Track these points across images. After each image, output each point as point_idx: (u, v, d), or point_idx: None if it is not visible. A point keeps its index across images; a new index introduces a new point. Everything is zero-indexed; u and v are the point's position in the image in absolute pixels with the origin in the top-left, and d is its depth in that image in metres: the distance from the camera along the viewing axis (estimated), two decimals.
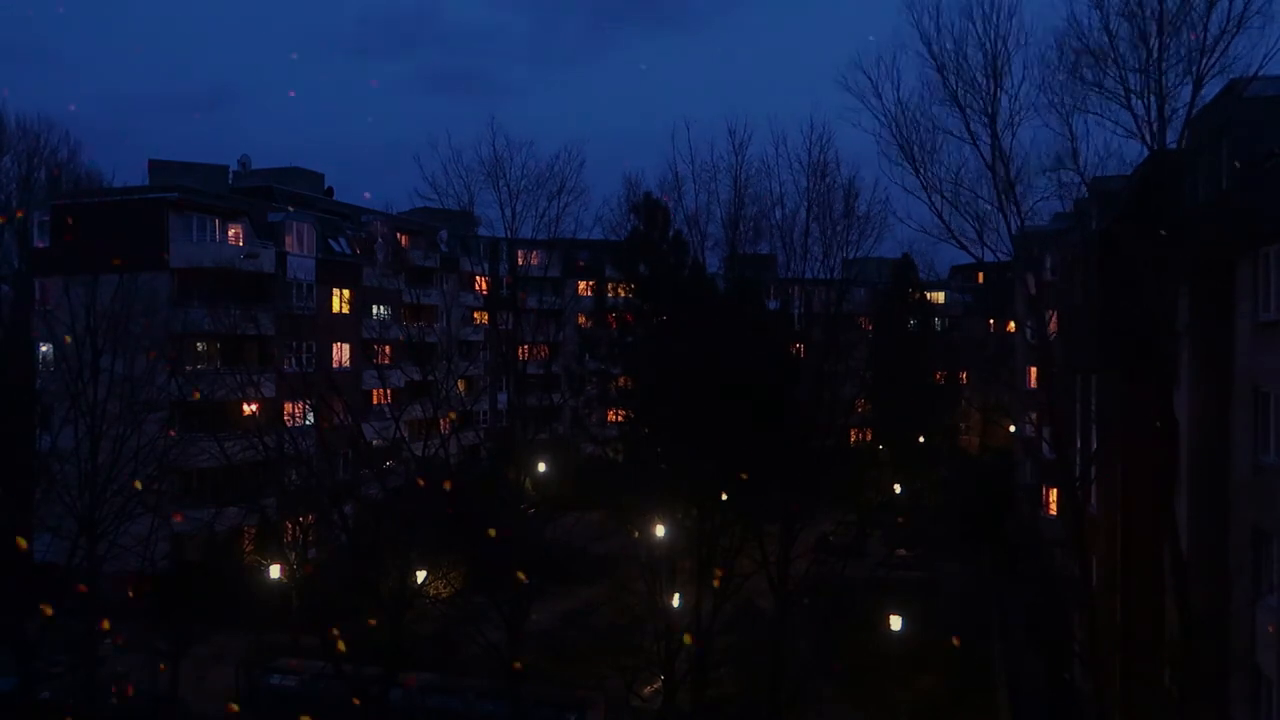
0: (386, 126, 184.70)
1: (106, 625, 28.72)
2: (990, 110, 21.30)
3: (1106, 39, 19.41)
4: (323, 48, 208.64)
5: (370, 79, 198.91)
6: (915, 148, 22.12)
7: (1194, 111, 19.32)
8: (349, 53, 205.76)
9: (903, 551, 42.86)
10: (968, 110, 21.44)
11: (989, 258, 23.30)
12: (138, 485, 29.26)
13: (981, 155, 21.62)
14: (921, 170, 22.14)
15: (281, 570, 29.57)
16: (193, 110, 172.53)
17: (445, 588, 28.29)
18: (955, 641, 30.95)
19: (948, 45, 21.31)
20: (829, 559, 28.89)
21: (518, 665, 25.78)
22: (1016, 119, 21.20)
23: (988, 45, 21.09)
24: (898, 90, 22.47)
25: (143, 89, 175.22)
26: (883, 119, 22.30)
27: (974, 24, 21.15)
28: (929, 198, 22.21)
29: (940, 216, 22.24)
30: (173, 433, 34.69)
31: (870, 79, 22.16)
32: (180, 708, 30.28)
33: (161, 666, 30.04)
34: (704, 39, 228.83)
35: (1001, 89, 21.15)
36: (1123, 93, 19.39)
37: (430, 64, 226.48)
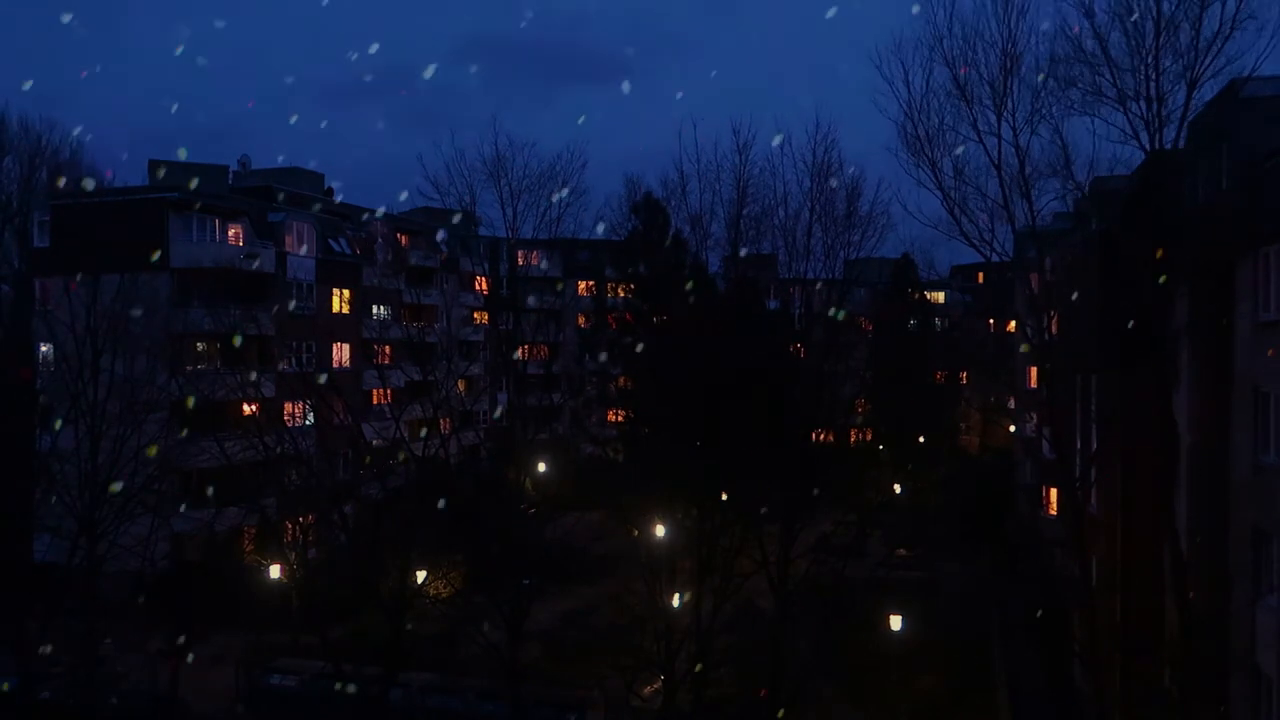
0: (371, 156, 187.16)
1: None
2: (998, 108, 21.35)
3: (1101, 42, 19.45)
4: (310, 91, 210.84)
5: (352, 119, 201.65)
6: (928, 144, 22.19)
7: (1190, 113, 19.32)
8: (331, 96, 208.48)
9: (903, 551, 42.85)
10: (975, 107, 21.50)
11: (995, 257, 23.36)
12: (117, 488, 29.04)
13: (988, 153, 21.68)
14: (935, 167, 22.22)
15: (281, 570, 29.59)
16: (189, 142, 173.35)
17: (445, 588, 28.30)
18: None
19: (959, 43, 21.38)
20: (829, 559, 28.86)
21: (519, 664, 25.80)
22: (1020, 119, 21.24)
23: (999, 45, 21.15)
24: (909, 86, 22.41)
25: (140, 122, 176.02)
26: (898, 112, 22.39)
27: (987, 22, 21.23)
28: (943, 195, 22.29)
29: (953, 214, 22.31)
30: (179, 433, 34.70)
31: (885, 74, 22.24)
32: (180, 708, 30.29)
33: (172, 659, 29.80)
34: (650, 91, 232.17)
35: (1009, 89, 21.20)
36: (1117, 95, 19.43)
37: (405, 107, 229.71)
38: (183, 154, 53.71)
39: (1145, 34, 18.90)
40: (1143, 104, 19.11)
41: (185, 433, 35.38)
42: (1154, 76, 18.91)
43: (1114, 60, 19.21)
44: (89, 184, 49.00)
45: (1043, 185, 21.84)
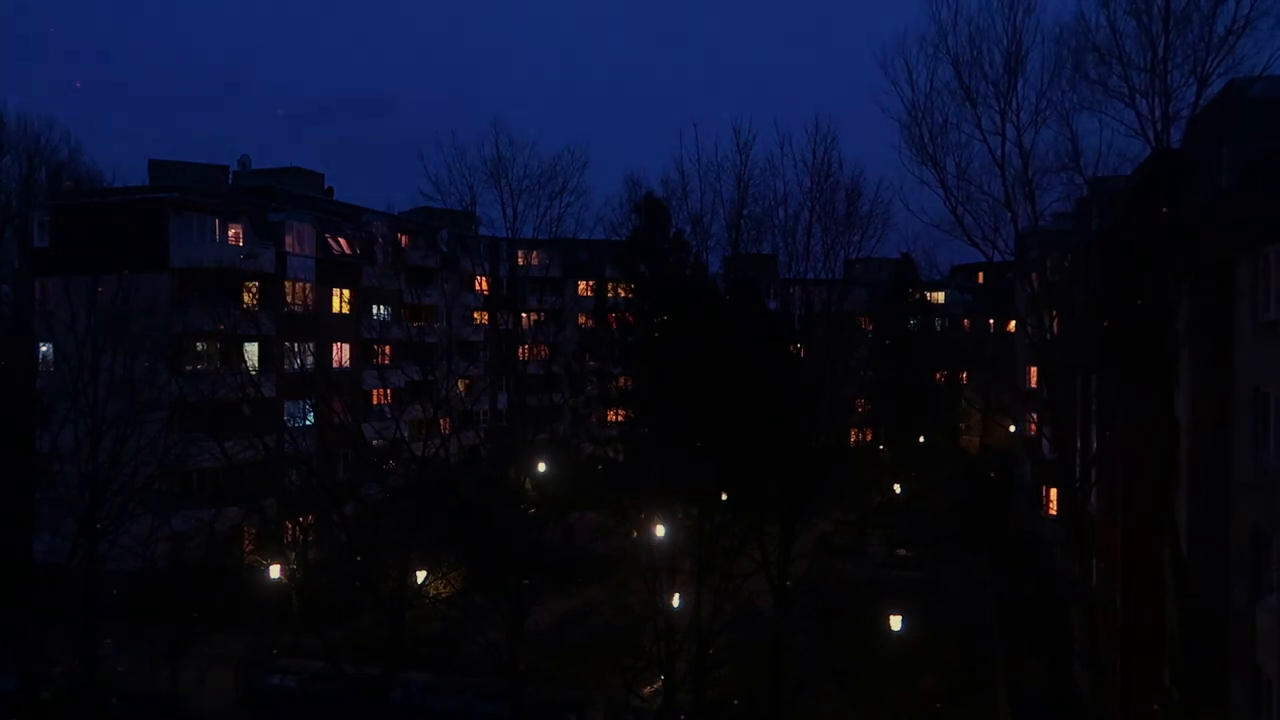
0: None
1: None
2: (1002, 107, 21.41)
3: (1113, 37, 19.46)
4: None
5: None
6: (931, 143, 22.27)
7: (1198, 111, 19.33)
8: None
9: (903, 551, 42.91)
10: (980, 106, 21.54)
11: (998, 257, 23.40)
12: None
13: (991, 152, 21.72)
14: (938, 166, 22.30)
15: (281, 570, 29.58)
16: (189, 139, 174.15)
17: (445, 588, 28.28)
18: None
19: (964, 41, 21.45)
20: (829, 559, 28.89)
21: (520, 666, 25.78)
22: (1024, 118, 21.29)
23: (1005, 42, 21.21)
24: (912, 85, 22.49)
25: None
26: (901, 111, 22.48)
27: (991, 19, 21.31)
28: (945, 194, 22.37)
29: (955, 213, 22.41)
30: (179, 433, 34.66)
31: (889, 73, 22.38)
32: (180, 708, 30.27)
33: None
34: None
35: (1015, 86, 21.26)
36: (1127, 91, 19.44)
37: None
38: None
39: (1155, 30, 18.91)
40: (1151, 101, 19.14)
41: (186, 433, 35.38)
42: (1163, 72, 18.92)
43: (1125, 54, 19.22)
44: (88, 184, 49.07)
45: (1046, 184, 21.92)
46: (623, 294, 53.86)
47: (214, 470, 37.41)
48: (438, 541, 27.66)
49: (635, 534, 28.31)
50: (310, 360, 44.73)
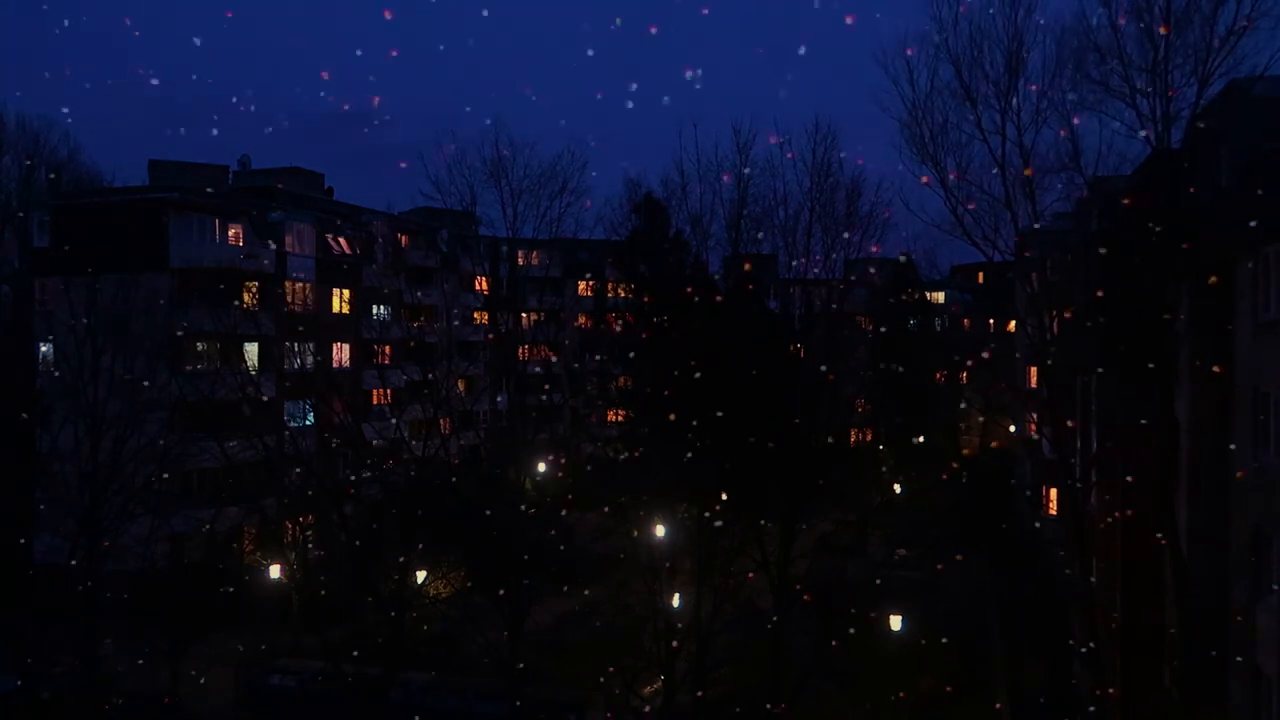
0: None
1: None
2: (1003, 107, 21.44)
3: (1114, 37, 19.47)
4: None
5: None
6: (932, 142, 22.31)
7: (1198, 111, 19.33)
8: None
9: (903, 551, 42.85)
10: (980, 106, 21.57)
11: (998, 257, 23.42)
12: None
13: (991, 152, 21.74)
14: (939, 165, 22.34)
15: (281, 570, 29.59)
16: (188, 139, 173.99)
17: (445, 588, 28.30)
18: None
19: (964, 41, 21.49)
20: (829, 559, 28.89)
21: (520, 666, 25.78)
22: (1025, 117, 21.32)
23: (1005, 42, 21.25)
24: (913, 85, 22.55)
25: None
26: (902, 110, 22.53)
27: (992, 19, 21.34)
28: (946, 193, 22.41)
29: (955, 213, 22.46)
30: (179, 433, 34.62)
31: (890, 72, 22.44)
32: (180, 708, 30.28)
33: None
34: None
35: (1015, 86, 21.30)
36: (1128, 91, 19.46)
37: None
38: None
39: (1156, 30, 18.92)
40: (1152, 100, 19.16)
41: (186, 433, 35.37)
42: (1164, 72, 18.94)
43: (1126, 54, 19.24)
44: (88, 184, 49.02)
45: (1046, 183, 21.94)
46: (623, 294, 53.74)
47: (214, 470, 37.41)
48: (438, 541, 27.67)
49: (635, 534, 28.30)
50: (310, 360, 44.72)
